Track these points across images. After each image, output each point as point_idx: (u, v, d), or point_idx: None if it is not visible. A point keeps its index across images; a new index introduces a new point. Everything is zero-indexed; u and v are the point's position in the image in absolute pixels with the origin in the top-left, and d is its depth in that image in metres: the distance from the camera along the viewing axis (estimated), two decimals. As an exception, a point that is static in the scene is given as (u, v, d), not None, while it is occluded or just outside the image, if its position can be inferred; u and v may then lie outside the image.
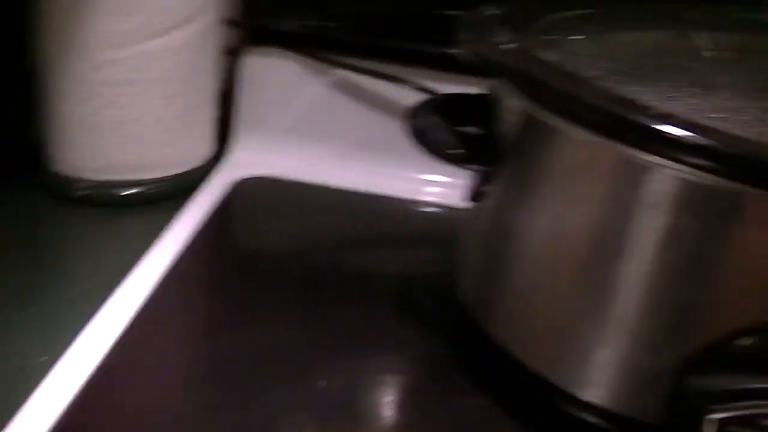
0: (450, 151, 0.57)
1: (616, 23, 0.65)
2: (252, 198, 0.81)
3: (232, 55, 0.88)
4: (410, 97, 0.72)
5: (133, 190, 0.78)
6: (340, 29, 0.84)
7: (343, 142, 0.85)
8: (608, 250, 0.50)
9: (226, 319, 0.64)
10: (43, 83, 0.77)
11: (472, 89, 0.61)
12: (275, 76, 0.85)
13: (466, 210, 0.62)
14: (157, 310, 0.63)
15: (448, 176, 0.66)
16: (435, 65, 0.78)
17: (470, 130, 0.59)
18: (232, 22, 0.84)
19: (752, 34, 0.65)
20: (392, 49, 0.84)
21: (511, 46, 0.55)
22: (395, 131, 0.78)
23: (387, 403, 0.59)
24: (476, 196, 0.57)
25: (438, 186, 0.78)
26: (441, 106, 0.60)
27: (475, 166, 0.57)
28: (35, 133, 0.82)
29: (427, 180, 0.80)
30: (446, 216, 0.79)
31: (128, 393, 0.57)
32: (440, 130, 0.57)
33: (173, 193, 0.79)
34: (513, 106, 0.55)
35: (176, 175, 0.79)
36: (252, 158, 0.85)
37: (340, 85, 0.85)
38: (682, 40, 0.63)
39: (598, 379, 0.53)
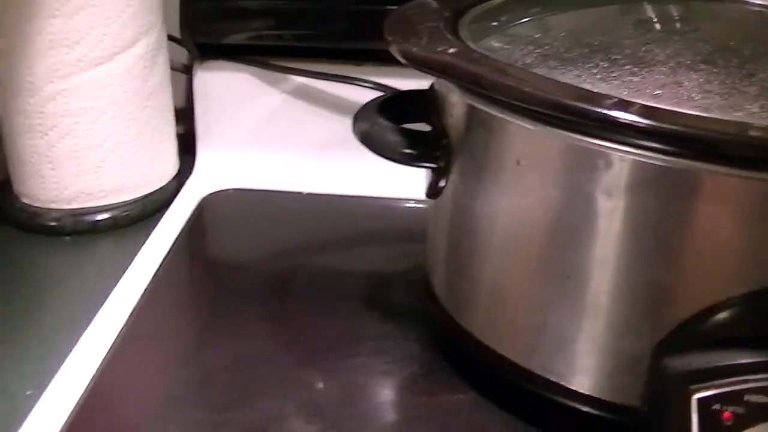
0: (400, 152, 0.57)
1: (556, 3, 0.65)
2: (221, 212, 0.82)
3: (186, 72, 0.88)
4: (366, 97, 0.73)
5: (103, 216, 0.79)
6: (291, 36, 0.84)
7: (304, 147, 0.87)
8: (570, 237, 0.49)
9: (207, 335, 0.65)
10: (2, 120, 0.77)
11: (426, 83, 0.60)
12: (230, 88, 0.86)
13: (427, 206, 0.62)
14: (138, 332, 0.64)
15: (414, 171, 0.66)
16: (390, 62, 0.78)
17: (418, 127, 0.59)
18: (177, 40, 0.84)
19: (694, 3, 0.64)
20: (345, 50, 0.84)
21: (441, 42, 0.54)
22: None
23: (374, 405, 0.59)
24: (433, 192, 0.57)
25: (404, 181, 0.78)
26: (385, 106, 0.60)
27: (427, 164, 0.57)
28: (4, 170, 0.83)
29: (393, 176, 0.80)
30: (415, 210, 0.80)
31: (115, 418, 0.58)
32: (387, 131, 0.57)
33: (143, 215, 0.80)
34: (455, 100, 0.55)
35: (144, 196, 0.80)
36: (217, 172, 0.86)
37: (295, 91, 0.86)
38: (622, 15, 0.63)
39: (579, 367, 0.52)
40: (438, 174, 0.57)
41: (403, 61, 0.53)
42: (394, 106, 0.61)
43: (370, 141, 0.57)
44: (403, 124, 0.58)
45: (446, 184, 0.57)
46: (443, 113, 0.57)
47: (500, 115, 0.51)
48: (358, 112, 0.60)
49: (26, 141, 0.76)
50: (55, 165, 0.77)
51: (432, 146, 0.57)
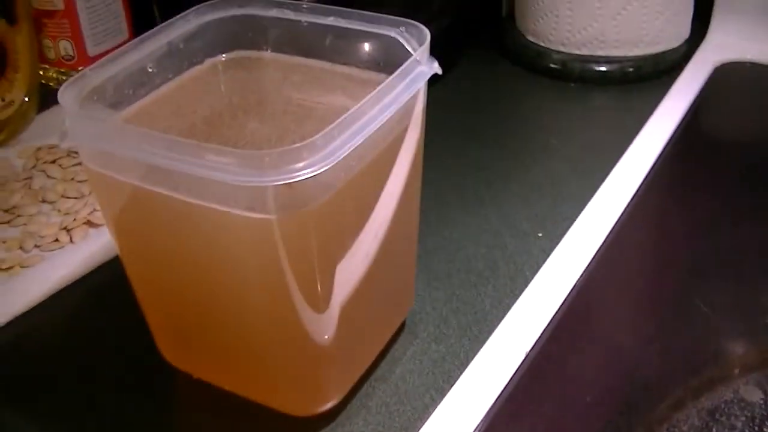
0: None
1: None
2: (736, 84, 0.76)
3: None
4: None
5: (612, 67, 0.74)
6: None
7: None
8: None
9: (729, 209, 0.60)
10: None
11: None
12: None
13: None
14: (652, 195, 0.60)
15: None
16: None
17: None
18: None
19: None
20: None
21: None
22: None
23: None
24: None
25: None
26: None
27: None
28: (509, 4, 0.80)
29: None
30: None
31: (632, 278, 0.54)
32: None
33: (653, 73, 0.75)
34: None
35: (656, 54, 0.75)
36: (732, 42, 0.78)
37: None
38: None
39: None
40: None
41: None
42: None
43: None
44: None
45: None
46: None
47: None
48: None
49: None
50: (573, 5, 0.73)
51: None
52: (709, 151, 0.66)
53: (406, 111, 0.41)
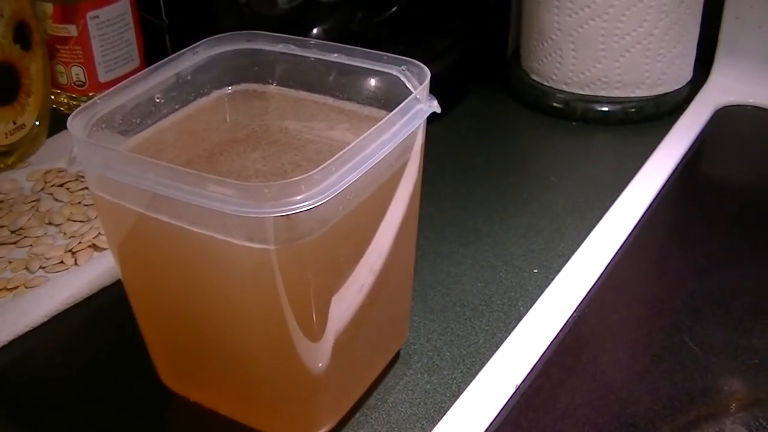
0: None
1: None
2: (737, 127, 0.77)
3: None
4: None
5: (614, 108, 0.75)
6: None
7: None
8: None
9: (726, 252, 0.61)
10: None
11: None
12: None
13: None
14: (649, 236, 0.61)
15: None
16: None
17: None
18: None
19: None
20: None
21: None
22: None
23: None
24: None
25: None
26: None
27: None
28: (514, 43, 0.81)
29: None
30: None
31: (627, 316, 0.55)
32: None
33: (654, 115, 0.76)
34: None
35: (657, 96, 0.76)
36: (733, 85, 0.79)
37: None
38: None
39: None
40: None
41: None
42: None
43: None
44: None
45: None
46: None
47: None
48: None
49: (552, 17, 0.74)
50: (577, 46, 0.74)
51: None
52: (707, 193, 0.67)
53: (405, 147, 0.42)
